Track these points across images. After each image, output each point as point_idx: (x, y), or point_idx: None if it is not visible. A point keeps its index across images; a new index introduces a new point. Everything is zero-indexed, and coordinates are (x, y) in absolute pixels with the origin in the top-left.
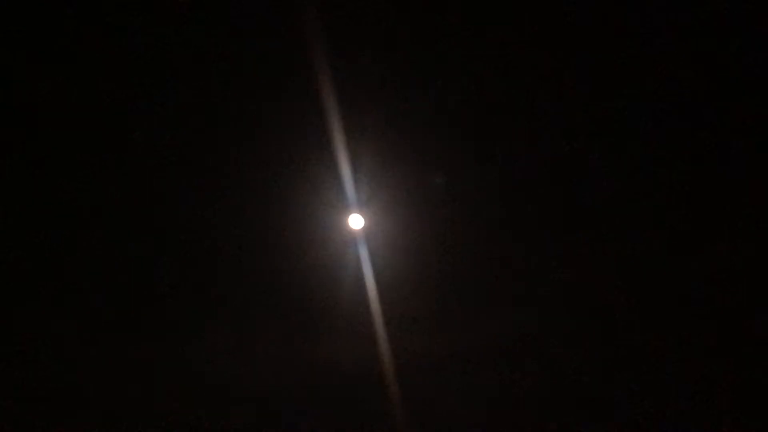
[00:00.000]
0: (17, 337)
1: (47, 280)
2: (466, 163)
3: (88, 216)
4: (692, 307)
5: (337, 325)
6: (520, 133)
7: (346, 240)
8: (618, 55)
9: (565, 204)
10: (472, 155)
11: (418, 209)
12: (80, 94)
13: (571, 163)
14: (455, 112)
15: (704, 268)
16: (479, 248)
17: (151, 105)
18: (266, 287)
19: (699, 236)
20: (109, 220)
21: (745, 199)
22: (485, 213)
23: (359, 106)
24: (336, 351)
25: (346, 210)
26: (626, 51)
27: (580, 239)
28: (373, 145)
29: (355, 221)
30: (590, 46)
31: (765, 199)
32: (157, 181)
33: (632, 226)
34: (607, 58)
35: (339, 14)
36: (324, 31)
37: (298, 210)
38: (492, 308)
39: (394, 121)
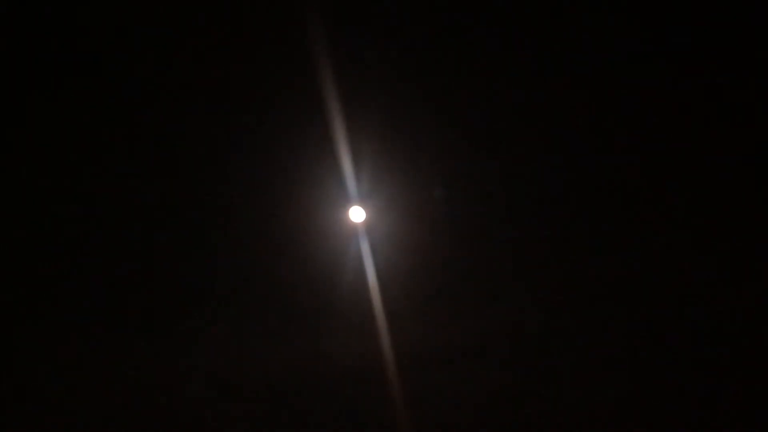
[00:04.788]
0: (14, 336)
1: (44, 276)
2: (469, 157)
3: (87, 211)
4: (693, 306)
5: (338, 319)
6: (523, 128)
7: (347, 233)
8: (623, 57)
9: (567, 198)
10: (475, 149)
11: (421, 202)
12: (83, 94)
13: (572, 159)
14: (459, 105)
15: (704, 267)
16: (482, 242)
17: (151, 99)
18: (266, 281)
19: (698, 235)
20: (107, 212)
21: (746, 199)
22: (488, 207)
23: (361, 97)
24: (336, 345)
25: (347, 203)
26: (629, 53)
27: (584, 234)
28: (375, 137)
29: (357, 214)
30: (595, 49)
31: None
32: (157, 176)
33: (632, 226)
34: (612, 61)
35: (341, 7)
36: (325, 23)
37: (299, 203)
38: (494, 303)
39: (397, 112)
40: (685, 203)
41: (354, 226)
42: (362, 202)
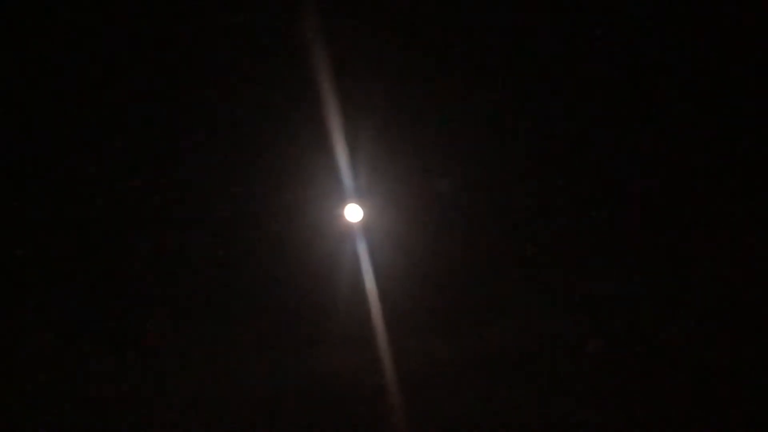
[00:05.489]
0: None
1: (27, 287)
2: (477, 150)
3: (71, 210)
4: (701, 319)
5: (333, 327)
6: (525, 123)
7: (342, 233)
8: (622, 54)
9: (578, 196)
10: (483, 140)
11: (421, 199)
12: (78, 91)
13: (582, 156)
14: (465, 92)
15: (712, 274)
16: (490, 244)
17: (142, 96)
18: (254, 286)
19: (709, 243)
20: (92, 208)
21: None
22: (497, 205)
23: (357, 88)
24: (331, 358)
25: (342, 200)
26: (629, 51)
27: (599, 230)
28: (373, 130)
29: (353, 212)
30: (589, 44)
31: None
32: (143, 172)
33: (636, 228)
34: (610, 57)
35: (337, 2)
36: (321, 17)
37: (289, 200)
38: (504, 312)
39: (395, 104)
40: (698, 210)
41: (350, 226)
42: (359, 199)
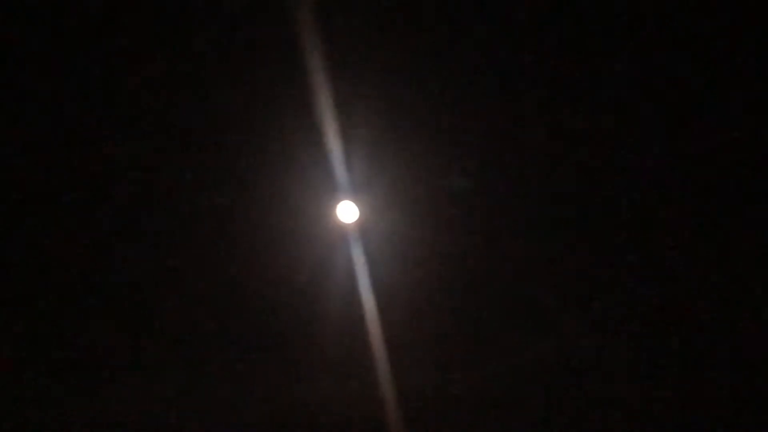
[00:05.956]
0: None
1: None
2: (487, 142)
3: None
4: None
5: (324, 349)
6: (529, 120)
7: (334, 236)
8: (621, 53)
9: (601, 195)
10: (494, 130)
11: (426, 197)
12: (68, 90)
13: (599, 153)
14: (472, 77)
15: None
16: (504, 249)
17: (132, 91)
18: (232, 301)
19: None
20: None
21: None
22: (512, 204)
23: (352, 75)
24: (323, 382)
25: (335, 198)
26: (628, 50)
27: (630, 228)
28: (369, 120)
29: (347, 212)
30: (591, 44)
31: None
32: (123, 173)
33: (641, 231)
34: (609, 57)
35: None
36: (315, 9)
37: (277, 198)
38: (514, 329)
39: (394, 91)
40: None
41: (344, 227)
42: (354, 197)
